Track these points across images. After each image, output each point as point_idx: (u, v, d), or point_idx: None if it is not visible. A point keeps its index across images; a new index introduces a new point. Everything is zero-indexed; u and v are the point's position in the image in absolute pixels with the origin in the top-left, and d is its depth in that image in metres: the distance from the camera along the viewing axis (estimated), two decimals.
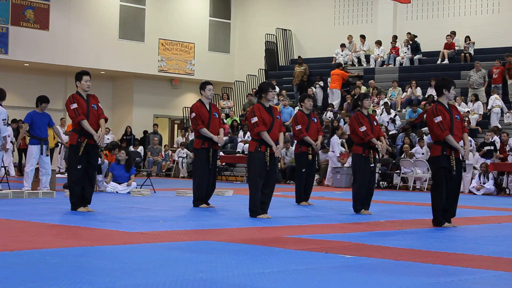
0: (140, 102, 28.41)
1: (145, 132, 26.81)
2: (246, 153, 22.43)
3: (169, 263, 5.37)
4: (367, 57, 26.49)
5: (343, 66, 25.73)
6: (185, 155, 23.66)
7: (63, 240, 6.62)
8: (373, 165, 10.38)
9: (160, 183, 18.32)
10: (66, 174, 20.25)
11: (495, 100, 21.31)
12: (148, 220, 8.68)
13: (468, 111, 20.98)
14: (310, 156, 12.11)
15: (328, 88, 25.24)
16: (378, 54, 26.05)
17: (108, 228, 7.66)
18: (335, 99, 24.95)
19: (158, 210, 10.23)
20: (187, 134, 25.08)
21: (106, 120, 9.84)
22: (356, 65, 26.46)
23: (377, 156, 10.57)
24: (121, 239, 6.80)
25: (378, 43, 26.09)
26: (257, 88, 9.85)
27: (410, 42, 25.30)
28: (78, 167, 9.49)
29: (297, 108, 24.26)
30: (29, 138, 14.06)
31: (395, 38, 25.87)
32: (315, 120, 12.32)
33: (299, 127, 12.09)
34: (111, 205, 9.83)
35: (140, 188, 14.26)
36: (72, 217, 8.88)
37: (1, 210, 9.40)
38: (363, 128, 10.33)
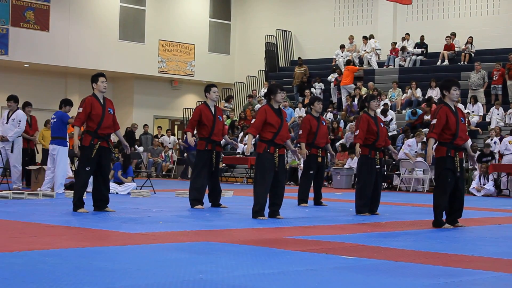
0: (140, 103, 28.41)
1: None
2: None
3: (169, 264, 5.37)
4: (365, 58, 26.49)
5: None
6: None
7: (63, 241, 6.62)
8: (378, 166, 10.39)
9: (160, 184, 18.31)
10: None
11: (494, 112, 21.30)
12: (148, 221, 8.68)
13: (468, 112, 20.96)
14: (319, 159, 12.13)
15: (340, 85, 25.13)
16: (378, 55, 26.03)
17: (108, 229, 7.66)
18: (345, 95, 24.80)
19: (158, 211, 10.23)
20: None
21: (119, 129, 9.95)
22: (358, 65, 26.43)
23: (383, 158, 10.58)
24: (121, 240, 6.80)
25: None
26: (266, 90, 9.87)
27: (418, 43, 25.23)
28: (87, 168, 9.48)
29: (297, 109, 24.30)
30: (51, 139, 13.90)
31: (395, 39, 25.86)
32: (324, 123, 12.35)
33: (300, 132, 12.15)
34: (111, 206, 9.83)
35: (140, 189, 14.26)
36: (72, 218, 8.88)
37: (1, 211, 9.40)
38: (356, 132, 10.38)
